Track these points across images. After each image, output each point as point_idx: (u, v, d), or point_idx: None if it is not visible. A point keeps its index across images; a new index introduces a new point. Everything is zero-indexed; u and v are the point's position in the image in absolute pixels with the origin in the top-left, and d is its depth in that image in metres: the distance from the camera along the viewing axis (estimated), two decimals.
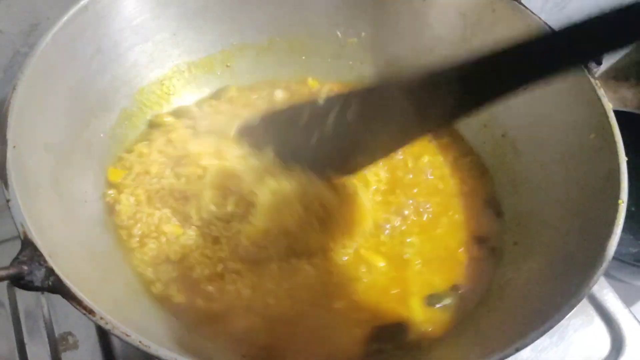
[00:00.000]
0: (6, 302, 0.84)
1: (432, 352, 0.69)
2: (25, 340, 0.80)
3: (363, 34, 0.97)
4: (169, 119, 0.88)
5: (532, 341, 0.55)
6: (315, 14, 0.96)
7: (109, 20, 0.79)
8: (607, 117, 0.71)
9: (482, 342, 0.66)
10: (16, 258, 0.51)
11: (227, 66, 0.96)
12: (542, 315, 0.57)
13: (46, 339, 0.80)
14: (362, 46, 0.98)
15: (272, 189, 0.74)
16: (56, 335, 0.81)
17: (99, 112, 0.79)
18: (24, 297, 0.84)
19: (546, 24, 0.82)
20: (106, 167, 0.80)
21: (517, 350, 0.55)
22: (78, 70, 0.75)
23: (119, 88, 0.82)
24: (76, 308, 0.51)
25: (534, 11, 0.84)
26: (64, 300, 0.52)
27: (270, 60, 0.98)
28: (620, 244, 1.24)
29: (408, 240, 0.80)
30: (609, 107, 0.72)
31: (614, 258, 1.09)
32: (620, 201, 0.65)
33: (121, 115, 0.84)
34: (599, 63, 0.76)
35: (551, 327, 0.56)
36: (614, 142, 0.70)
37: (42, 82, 0.68)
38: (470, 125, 0.92)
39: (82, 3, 0.73)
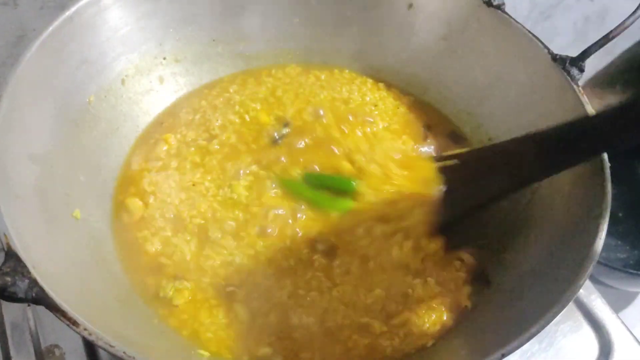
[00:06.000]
0: None
1: (419, 358, 0.69)
2: (12, 353, 0.80)
3: (349, 43, 0.98)
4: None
5: (519, 346, 0.55)
6: (302, 25, 0.97)
7: (95, 31, 0.79)
8: None
9: (469, 347, 0.66)
10: None
11: (215, 74, 0.96)
12: (528, 320, 0.57)
13: (32, 352, 0.79)
14: (349, 55, 0.99)
15: None
16: (42, 347, 0.80)
17: (84, 123, 0.78)
18: (10, 310, 0.83)
19: (530, 32, 0.83)
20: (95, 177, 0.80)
21: (504, 355, 0.55)
22: (64, 81, 0.75)
23: (105, 99, 0.82)
24: (60, 319, 0.51)
25: (519, 20, 0.85)
26: (50, 313, 0.51)
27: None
28: (608, 250, 1.27)
29: None
30: (592, 113, 0.73)
31: (602, 264, 1.11)
32: (604, 205, 0.65)
33: (108, 126, 0.83)
34: (582, 70, 0.77)
35: (537, 332, 0.56)
36: None
37: (27, 92, 0.68)
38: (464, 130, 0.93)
39: (67, 14, 0.73)
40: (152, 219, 0.78)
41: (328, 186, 0.82)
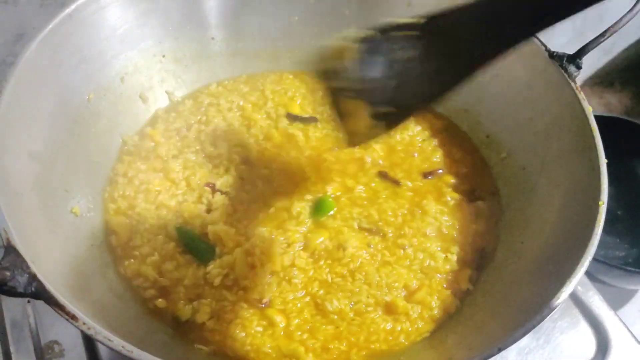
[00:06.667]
0: None
1: (416, 352, 0.69)
2: (12, 349, 0.80)
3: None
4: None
5: (514, 341, 0.55)
6: (300, 24, 0.97)
7: (94, 29, 0.79)
8: (587, 119, 0.72)
9: (466, 342, 0.66)
10: None
11: (213, 73, 0.96)
12: (524, 315, 0.58)
13: (32, 348, 0.80)
14: None
15: None
16: (42, 344, 0.81)
17: (84, 120, 0.79)
18: (10, 307, 0.83)
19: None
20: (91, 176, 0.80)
21: (500, 350, 0.55)
22: (63, 79, 0.75)
23: (105, 96, 0.83)
24: (59, 314, 0.51)
25: None
26: (49, 309, 0.52)
27: (257, 67, 0.98)
28: (607, 247, 1.26)
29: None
30: (589, 110, 0.73)
31: (601, 262, 1.11)
32: (600, 202, 0.66)
33: (107, 123, 0.83)
34: (579, 67, 0.77)
35: (533, 327, 0.56)
36: (594, 145, 0.70)
37: (26, 90, 0.68)
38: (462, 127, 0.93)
39: (66, 12, 0.74)
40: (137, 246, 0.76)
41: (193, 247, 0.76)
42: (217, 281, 0.72)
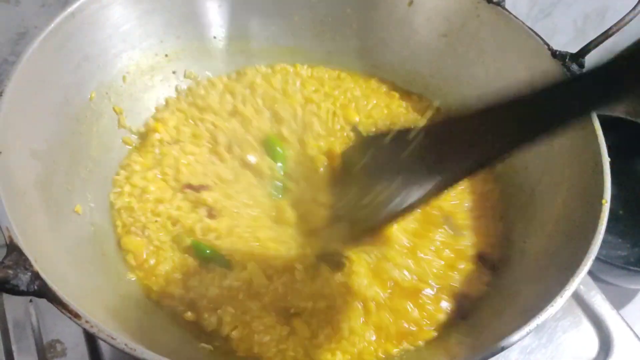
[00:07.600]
0: None
1: (419, 351, 0.69)
2: (14, 348, 0.80)
3: (350, 40, 0.98)
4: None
5: (517, 340, 0.55)
6: (302, 21, 0.97)
7: (96, 28, 0.79)
8: (590, 118, 0.72)
9: (469, 340, 0.66)
10: (1, 262, 0.51)
11: (215, 71, 0.96)
12: (528, 314, 0.58)
13: (34, 347, 0.80)
14: (349, 52, 0.99)
15: None
16: (44, 343, 0.81)
17: (86, 119, 0.79)
18: (12, 305, 0.83)
19: (530, 28, 0.83)
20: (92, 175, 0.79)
21: (503, 348, 0.55)
22: (65, 77, 0.75)
23: (107, 95, 0.82)
24: (62, 312, 0.51)
25: (519, 17, 0.85)
26: (52, 308, 0.51)
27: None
28: (608, 247, 1.27)
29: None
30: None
31: (603, 261, 1.11)
32: (604, 201, 0.66)
33: (109, 122, 0.83)
34: (582, 66, 0.77)
35: (536, 326, 0.56)
36: (597, 143, 0.70)
37: (29, 88, 0.68)
38: None
39: (68, 10, 0.74)
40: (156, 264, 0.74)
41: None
42: (240, 295, 0.70)
